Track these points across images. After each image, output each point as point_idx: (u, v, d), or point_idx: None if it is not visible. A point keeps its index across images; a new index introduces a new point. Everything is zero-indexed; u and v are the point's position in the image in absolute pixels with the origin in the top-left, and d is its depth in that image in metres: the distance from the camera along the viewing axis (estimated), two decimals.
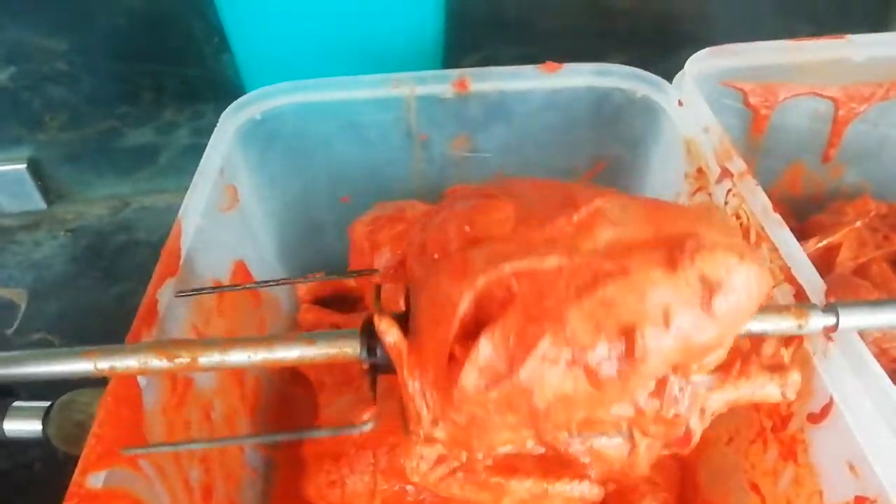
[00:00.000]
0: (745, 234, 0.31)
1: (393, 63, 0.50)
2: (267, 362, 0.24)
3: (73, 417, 0.39)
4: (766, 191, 0.50)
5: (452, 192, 0.27)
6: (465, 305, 0.20)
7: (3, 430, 0.39)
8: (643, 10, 0.71)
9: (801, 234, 0.48)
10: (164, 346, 0.22)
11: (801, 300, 0.27)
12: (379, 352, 0.23)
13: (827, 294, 0.27)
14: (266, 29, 0.49)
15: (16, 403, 0.40)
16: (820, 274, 0.44)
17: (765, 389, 0.23)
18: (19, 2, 0.61)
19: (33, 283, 0.53)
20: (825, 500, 0.25)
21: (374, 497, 0.33)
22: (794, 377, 0.23)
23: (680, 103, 0.39)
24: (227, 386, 0.34)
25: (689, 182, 0.37)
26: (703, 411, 0.22)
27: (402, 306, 0.24)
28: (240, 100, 0.41)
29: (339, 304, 0.47)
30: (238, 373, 0.36)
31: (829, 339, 0.25)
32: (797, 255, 0.29)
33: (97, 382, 0.37)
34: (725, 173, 0.34)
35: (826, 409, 0.25)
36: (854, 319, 0.24)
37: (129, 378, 0.26)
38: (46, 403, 0.40)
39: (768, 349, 0.25)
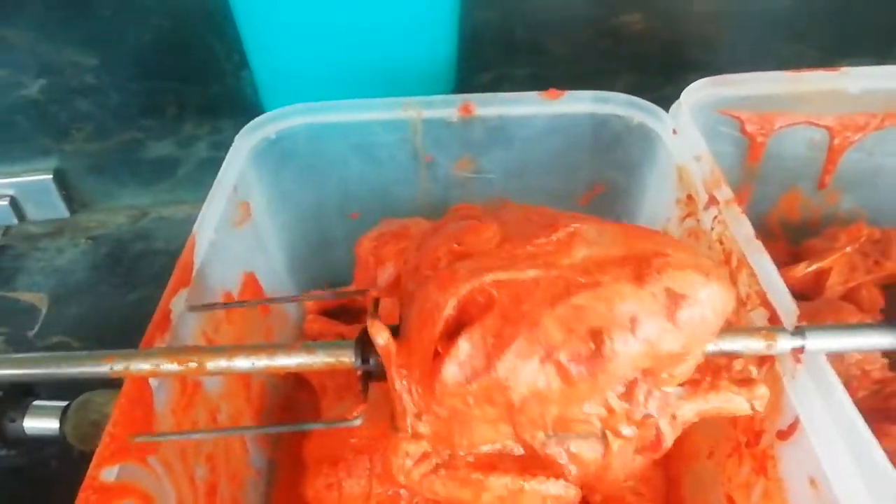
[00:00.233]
0: (727, 259, 0.33)
1: (407, 84, 0.53)
2: (269, 369, 0.26)
3: (89, 417, 0.41)
4: (762, 215, 0.52)
5: (456, 210, 0.30)
6: (449, 310, 0.22)
7: (23, 427, 0.42)
8: (652, 34, 0.73)
9: (796, 258, 0.49)
10: (175, 351, 0.25)
11: (775, 324, 0.29)
12: (372, 360, 0.25)
13: (800, 318, 0.29)
14: (284, 51, 0.52)
15: (35, 403, 0.42)
16: (809, 297, 0.46)
17: (734, 402, 0.25)
18: (52, 18, 0.64)
19: (55, 288, 0.55)
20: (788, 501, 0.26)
21: (370, 500, 0.35)
22: (762, 391, 0.25)
23: (674, 132, 0.40)
24: (233, 389, 0.36)
25: (679, 207, 0.39)
26: (674, 418, 0.24)
27: (397, 319, 0.26)
28: (255, 120, 0.43)
29: (345, 315, 0.49)
30: (244, 377, 0.38)
31: (798, 360, 0.27)
32: (775, 281, 0.30)
33: (112, 384, 0.40)
34: (712, 201, 0.35)
35: (792, 427, 0.26)
36: (821, 342, 0.26)
37: (141, 380, 0.28)
38: (64, 403, 0.42)
39: (738, 366, 0.26)
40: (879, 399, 0.38)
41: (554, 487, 0.24)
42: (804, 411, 0.26)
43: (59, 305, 0.54)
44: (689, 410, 0.24)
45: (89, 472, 0.25)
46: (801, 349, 0.25)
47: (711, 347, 0.26)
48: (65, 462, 0.41)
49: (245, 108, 0.63)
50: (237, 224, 0.40)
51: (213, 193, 0.38)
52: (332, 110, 0.44)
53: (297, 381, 0.45)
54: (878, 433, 0.36)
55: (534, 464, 0.24)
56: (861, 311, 0.43)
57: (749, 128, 0.47)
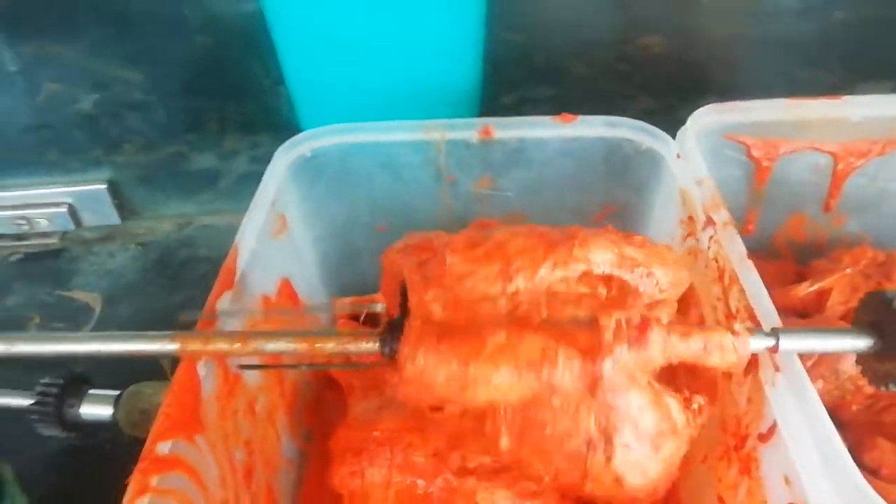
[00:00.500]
0: (721, 276, 0.36)
1: (434, 105, 0.56)
2: (305, 352, 0.30)
3: (139, 405, 0.45)
4: (770, 236, 0.55)
5: (475, 225, 0.34)
6: None
7: (80, 413, 0.46)
8: (671, 57, 0.76)
9: (802, 278, 0.51)
10: (227, 334, 0.29)
11: None
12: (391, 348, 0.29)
13: None
14: (319, 73, 0.56)
15: (91, 391, 0.47)
16: (811, 315, 0.48)
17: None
18: (102, 36, 0.69)
19: (107, 289, 0.60)
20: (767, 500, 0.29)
21: (389, 487, 0.38)
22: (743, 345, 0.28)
23: (678, 156, 0.43)
24: (269, 384, 0.40)
25: (682, 227, 0.42)
26: (658, 321, 0.27)
27: None
28: (293, 138, 0.47)
29: (371, 322, 0.52)
30: (279, 373, 0.42)
31: (777, 369, 0.30)
32: (762, 298, 0.33)
33: (160, 376, 0.44)
34: (710, 222, 0.38)
35: (771, 431, 0.29)
36: (792, 343, 0.29)
37: (191, 370, 0.32)
38: (116, 392, 0.46)
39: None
40: (872, 413, 0.41)
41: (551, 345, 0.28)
42: (781, 416, 0.29)
43: (111, 305, 0.58)
44: (675, 340, 0.28)
45: (147, 445, 0.28)
46: (776, 348, 0.28)
47: (697, 342, 0.29)
48: (116, 445, 0.45)
49: (282, 124, 0.68)
50: (275, 235, 0.43)
51: (253, 206, 0.42)
52: (362, 131, 0.47)
53: (327, 380, 0.48)
54: (868, 445, 0.39)
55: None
56: None
57: (755, 153, 0.49)
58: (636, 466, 0.29)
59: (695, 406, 0.30)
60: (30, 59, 0.71)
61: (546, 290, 0.29)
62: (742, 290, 0.33)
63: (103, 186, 0.65)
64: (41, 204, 0.63)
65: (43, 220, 0.63)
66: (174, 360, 0.32)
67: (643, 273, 0.30)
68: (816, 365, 0.40)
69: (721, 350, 0.29)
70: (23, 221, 0.63)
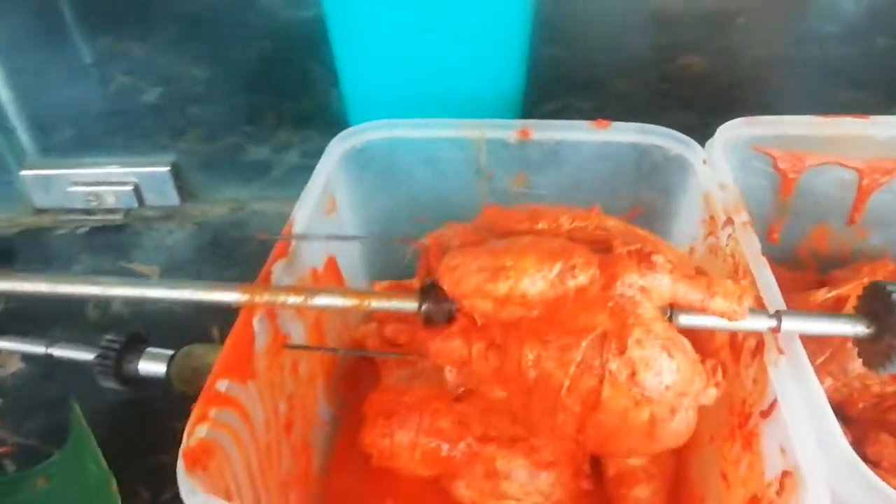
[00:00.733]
0: (736, 269, 0.38)
1: (478, 110, 0.60)
2: (356, 305, 0.33)
3: (191, 364, 0.50)
4: (794, 246, 0.56)
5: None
6: None
7: (137, 368, 0.50)
8: (710, 76, 0.78)
9: (821, 285, 0.53)
10: (286, 287, 0.33)
11: None
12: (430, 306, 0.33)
13: None
14: (372, 75, 0.60)
15: (148, 349, 0.51)
16: None
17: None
18: (172, 36, 0.74)
19: (165, 263, 0.65)
20: (765, 477, 0.31)
21: (416, 449, 0.41)
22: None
23: (704, 162, 0.46)
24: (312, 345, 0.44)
25: (703, 227, 0.44)
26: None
27: None
28: (346, 131, 0.51)
29: None
30: (321, 339, 0.45)
31: (781, 351, 0.32)
32: (771, 287, 0.35)
33: (211, 341, 0.48)
34: (729, 221, 0.41)
35: (772, 407, 0.32)
36: (794, 324, 0.31)
37: (248, 322, 0.35)
38: (171, 352, 0.51)
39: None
40: (878, 411, 0.42)
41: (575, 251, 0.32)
42: (781, 393, 0.31)
43: (168, 277, 0.63)
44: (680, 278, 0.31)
45: (208, 382, 0.32)
46: (778, 328, 0.31)
47: (702, 320, 0.32)
48: (168, 400, 0.49)
49: (332, 122, 0.72)
50: (326, 214, 0.47)
51: (309, 186, 0.46)
52: (408, 127, 0.51)
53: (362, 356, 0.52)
54: (872, 439, 0.41)
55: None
56: None
57: (781, 164, 0.51)
58: (649, 364, 0.31)
59: (708, 366, 0.33)
60: (103, 53, 0.78)
61: (567, 231, 0.32)
62: (754, 282, 0.36)
63: (166, 169, 0.70)
64: (110, 182, 0.69)
65: (111, 197, 0.69)
66: (224, 325, 0.35)
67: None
68: (826, 363, 0.42)
69: (725, 293, 0.31)
70: (93, 198, 0.69)
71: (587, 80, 0.77)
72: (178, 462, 0.29)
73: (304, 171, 0.47)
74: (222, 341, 0.34)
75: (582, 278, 0.32)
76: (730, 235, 0.40)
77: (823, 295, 0.50)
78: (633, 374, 0.31)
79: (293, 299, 0.33)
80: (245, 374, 0.35)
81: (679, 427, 0.32)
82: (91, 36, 0.79)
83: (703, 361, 0.34)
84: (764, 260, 0.37)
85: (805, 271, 0.56)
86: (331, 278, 0.48)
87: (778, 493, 0.29)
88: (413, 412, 0.42)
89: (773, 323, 0.32)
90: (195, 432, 0.30)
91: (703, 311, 0.32)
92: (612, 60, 0.78)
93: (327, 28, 0.59)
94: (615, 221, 0.34)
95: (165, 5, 0.77)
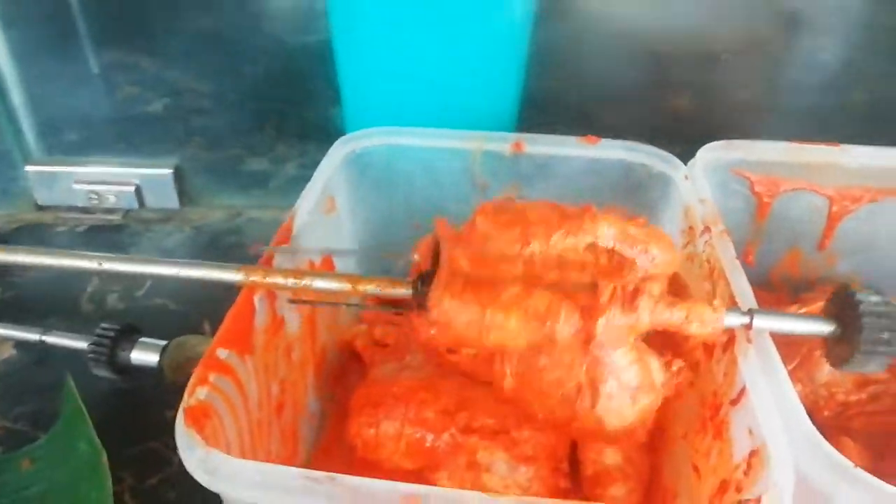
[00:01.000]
0: (711, 273, 0.40)
1: (476, 125, 0.62)
2: (350, 289, 0.35)
3: (184, 354, 0.51)
4: (767, 270, 0.59)
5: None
6: None
7: (130, 358, 0.51)
8: (697, 116, 0.82)
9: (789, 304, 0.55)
10: (284, 269, 0.34)
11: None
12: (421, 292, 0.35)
13: None
14: (373, 89, 0.62)
15: (141, 339, 0.52)
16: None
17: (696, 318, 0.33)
18: (181, 51, 0.77)
19: None
20: (734, 460, 0.33)
21: (400, 439, 0.43)
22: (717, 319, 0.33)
23: (686, 178, 0.49)
24: (304, 336, 0.45)
25: (682, 237, 0.47)
26: (651, 296, 0.32)
27: None
28: (347, 136, 0.54)
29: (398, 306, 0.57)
30: (313, 331, 0.47)
31: (749, 341, 0.34)
32: (744, 289, 0.38)
33: (203, 333, 0.49)
34: (706, 230, 0.43)
35: (741, 394, 0.33)
36: (765, 322, 0.33)
37: (249, 299, 0.37)
38: (164, 342, 0.52)
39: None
40: (842, 419, 0.44)
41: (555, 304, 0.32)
42: (749, 381, 0.33)
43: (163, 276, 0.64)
44: (662, 308, 0.32)
45: (209, 349, 0.34)
46: (750, 325, 0.33)
47: (680, 313, 0.34)
48: (159, 390, 0.50)
49: (332, 137, 0.75)
50: (325, 213, 0.49)
51: (310, 185, 0.48)
52: (409, 135, 0.54)
53: (351, 354, 0.53)
54: (834, 443, 0.42)
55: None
56: None
57: (757, 188, 0.54)
58: (615, 413, 0.34)
59: (674, 368, 0.35)
60: (112, 65, 0.80)
61: (557, 255, 0.35)
62: (727, 283, 0.38)
63: (169, 172, 0.72)
64: (113, 181, 0.71)
65: (112, 196, 0.70)
66: (216, 320, 0.37)
67: (641, 249, 0.35)
68: (795, 370, 0.44)
69: (700, 321, 0.33)
70: (94, 196, 0.70)
71: (576, 111, 0.80)
72: (178, 418, 0.30)
73: (301, 182, 0.49)
74: (214, 334, 0.35)
75: (565, 333, 0.34)
76: (706, 242, 0.42)
77: (794, 311, 0.53)
78: (598, 421, 0.33)
79: (292, 281, 0.35)
80: (244, 347, 0.36)
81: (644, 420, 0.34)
82: (101, 48, 0.81)
83: (669, 362, 0.36)
84: (738, 264, 0.40)
85: (778, 294, 0.59)
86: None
87: (745, 473, 0.31)
88: (399, 402, 0.43)
89: (745, 320, 0.34)
90: (195, 393, 0.31)
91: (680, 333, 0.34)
92: (601, 95, 0.81)
93: (333, 44, 0.61)
94: (608, 222, 0.36)
95: (175, 23, 0.80)
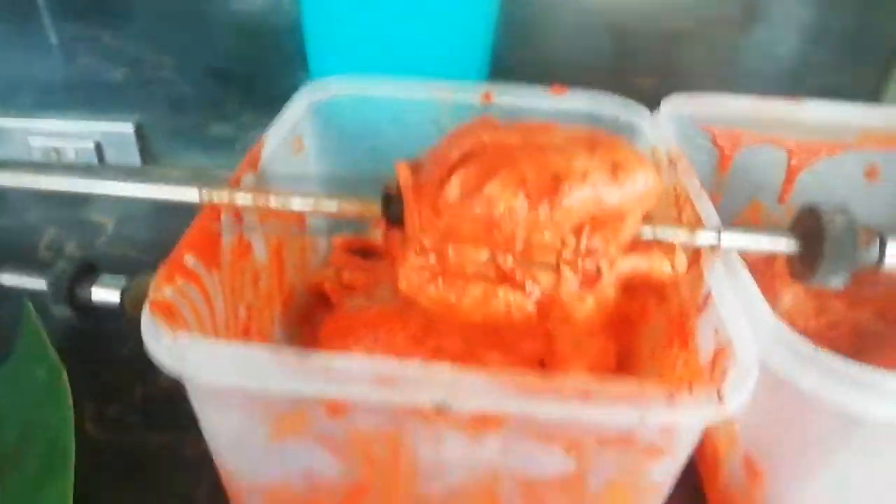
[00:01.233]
0: (677, 200, 0.41)
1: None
2: (316, 209, 0.35)
3: (145, 291, 0.49)
4: (729, 223, 0.60)
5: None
6: (455, 155, 0.31)
7: (90, 295, 0.50)
8: (666, 91, 0.83)
9: None
10: (247, 188, 0.34)
11: None
12: (393, 209, 0.34)
13: None
14: (340, 39, 0.61)
15: (101, 276, 0.51)
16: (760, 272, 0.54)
17: (660, 263, 0.33)
18: (144, 28, 0.75)
19: (119, 217, 0.65)
20: (699, 364, 0.34)
21: None
22: (681, 258, 0.33)
23: (651, 125, 0.50)
24: (271, 270, 0.45)
25: None
26: (612, 263, 0.32)
27: None
28: (313, 83, 0.53)
29: (366, 256, 0.57)
30: (280, 267, 0.46)
31: (716, 253, 0.35)
32: (710, 212, 0.39)
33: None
34: (672, 164, 0.44)
35: (706, 300, 0.34)
36: (733, 240, 0.34)
37: (215, 214, 0.36)
38: (123, 279, 0.50)
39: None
40: None
41: (517, 298, 0.32)
42: (716, 286, 0.34)
43: (123, 227, 0.63)
44: (625, 263, 0.32)
45: (174, 251, 0.33)
46: (717, 242, 0.34)
47: (648, 233, 0.35)
48: (120, 326, 0.48)
49: None
50: (294, 153, 0.49)
51: (277, 121, 0.48)
52: (375, 83, 0.54)
53: (318, 297, 0.53)
54: None
55: (504, 283, 0.32)
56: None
57: (720, 141, 0.56)
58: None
59: None
60: (71, 37, 0.78)
61: (525, 238, 0.33)
62: (693, 206, 0.39)
63: (130, 129, 0.70)
64: (71, 136, 0.69)
65: (71, 152, 0.68)
66: None
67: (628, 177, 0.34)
68: None
69: (662, 272, 0.34)
70: (53, 152, 0.68)
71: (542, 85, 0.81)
72: (144, 310, 0.29)
73: None
74: None
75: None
76: (672, 175, 0.43)
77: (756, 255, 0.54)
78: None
79: (251, 197, 0.34)
80: (210, 260, 0.35)
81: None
82: (61, 21, 0.79)
83: None
84: (703, 192, 0.41)
85: None
86: (293, 219, 0.49)
87: (710, 373, 0.32)
88: (368, 330, 0.43)
89: (712, 237, 0.34)
90: (162, 289, 0.31)
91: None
92: (567, 69, 0.83)
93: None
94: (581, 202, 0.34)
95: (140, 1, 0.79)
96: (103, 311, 0.50)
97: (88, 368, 0.46)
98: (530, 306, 0.32)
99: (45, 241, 0.60)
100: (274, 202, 0.35)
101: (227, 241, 0.38)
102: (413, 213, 0.32)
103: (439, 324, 0.43)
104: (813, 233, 0.35)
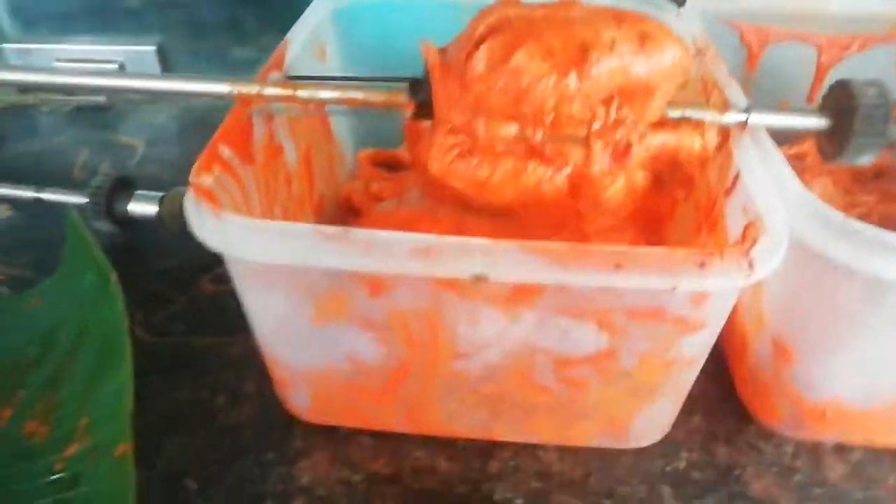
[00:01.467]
0: (705, 88, 0.41)
1: None
2: (344, 97, 0.35)
3: (181, 202, 0.51)
4: None
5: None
6: (481, 30, 0.31)
7: (127, 210, 0.52)
8: None
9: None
10: (276, 82, 0.34)
11: None
12: (420, 93, 0.35)
13: None
14: None
15: (138, 192, 0.52)
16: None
17: (689, 139, 0.33)
18: None
19: (149, 138, 0.66)
20: (729, 241, 0.34)
21: None
22: (712, 132, 0.33)
23: (678, 16, 0.49)
24: (302, 172, 0.45)
25: None
26: (642, 136, 0.32)
27: None
28: None
29: (391, 170, 0.58)
30: (310, 175, 0.47)
31: (745, 131, 0.35)
32: (738, 94, 0.38)
33: None
34: (699, 53, 0.43)
35: (735, 180, 0.34)
36: (761, 119, 0.34)
37: (245, 112, 0.37)
38: (161, 193, 0.52)
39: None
40: None
41: (547, 172, 0.32)
42: (744, 165, 0.34)
43: (154, 148, 0.64)
44: (655, 139, 0.33)
45: (211, 142, 0.34)
46: (746, 119, 0.34)
47: (676, 112, 0.35)
48: (159, 239, 0.50)
49: None
50: (317, 59, 0.49)
51: (297, 26, 0.47)
52: None
53: (347, 210, 0.54)
54: None
55: (534, 158, 0.33)
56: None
57: (747, 38, 0.55)
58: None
59: None
60: None
61: (553, 108, 0.33)
62: (721, 92, 0.39)
63: (152, 49, 0.70)
64: (94, 59, 0.69)
65: None
66: None
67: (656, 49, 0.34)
68: None
69: (692, 147, 0.34)
70: None
71: None
72: (187, 193, 0.30)
73: None
74: None
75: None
76: (700, 63, 0.43)
77: (786, 151, 0.53)
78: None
79: (281, 91, 0.35)
80: (245, 154, 0.36)
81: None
82: None
83: None
84: (732, 79, 0.40)
85: None
86: (318, 123, 0.50)
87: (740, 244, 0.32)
88: (400, 228, 0.44)
89: (742, 116, 0.34)
90: (201, 176, 0.32)
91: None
92: None
93: None
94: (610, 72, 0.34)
95: None
96: (141, 224, 0.51)
97: (131, 280, 0.48)
98: (560, 181, 0.33)
99: (80, 164, 0.62)
100: (302, 94, 0.36)
101: (260, 138, 0.39)
102: (441, 90, 0.32)
103: (470, 215, 0.43)
104: (844, 108, 0.35)
